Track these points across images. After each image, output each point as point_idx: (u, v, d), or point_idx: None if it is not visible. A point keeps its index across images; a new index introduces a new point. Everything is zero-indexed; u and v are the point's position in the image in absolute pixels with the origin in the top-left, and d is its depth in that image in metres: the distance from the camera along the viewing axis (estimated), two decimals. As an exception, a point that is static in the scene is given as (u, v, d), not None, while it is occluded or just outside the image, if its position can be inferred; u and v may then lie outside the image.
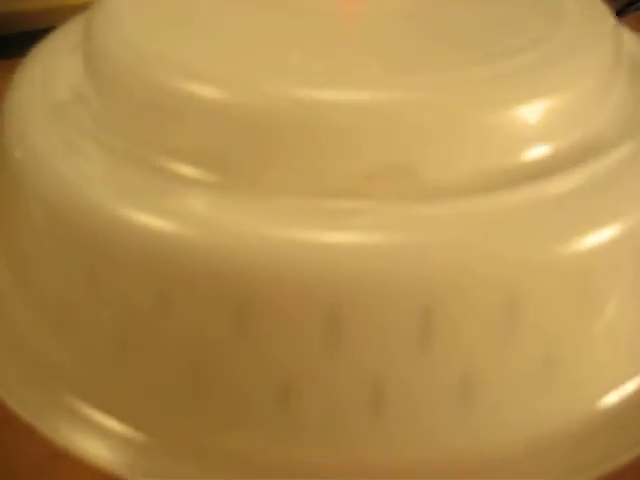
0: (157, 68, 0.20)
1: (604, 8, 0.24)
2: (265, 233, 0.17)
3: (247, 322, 0.17)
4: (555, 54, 0.20)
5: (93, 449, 0.19)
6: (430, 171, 0.18)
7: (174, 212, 0.18)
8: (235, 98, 0.19)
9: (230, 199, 0.18)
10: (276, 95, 0.18)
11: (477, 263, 0.17)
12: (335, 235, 0.17)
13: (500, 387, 0.18)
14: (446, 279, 0.17)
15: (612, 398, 0.19)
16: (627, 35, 0.26)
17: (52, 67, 0.23)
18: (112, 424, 0.19)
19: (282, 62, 0.19)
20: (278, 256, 0.17)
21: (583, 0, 0.23)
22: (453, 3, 0.23)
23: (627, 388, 0.20)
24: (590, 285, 0.18)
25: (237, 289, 0.17)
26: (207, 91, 0.19)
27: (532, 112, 0.19)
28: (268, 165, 0.18)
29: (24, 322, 0.22)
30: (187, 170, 0.18)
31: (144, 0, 0.23)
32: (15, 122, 0.22)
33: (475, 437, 0.18)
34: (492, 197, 0.18)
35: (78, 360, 0.20)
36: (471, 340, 0.17)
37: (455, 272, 0.17)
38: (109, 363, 0.19)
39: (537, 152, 0.19)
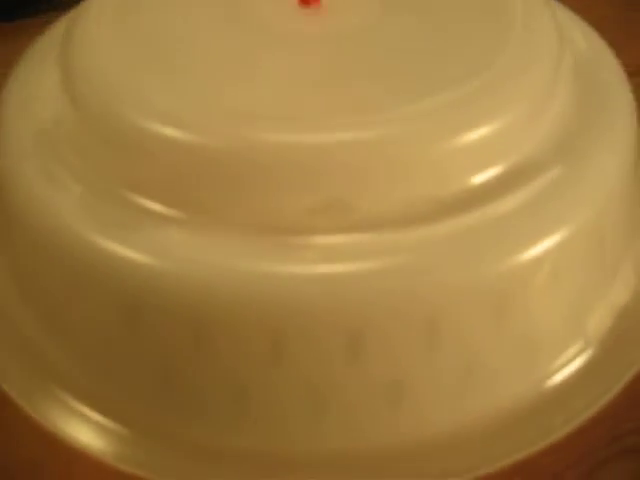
0: (129, 107, 0.22)
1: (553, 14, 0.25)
2: (222, 265, 0.20)
3: (205, 339, 0.20)
4: (489, 84, 0.22)
5: (82, 437, 0.22)
6: (365, 204, 0.20)
7: (143, 244, 0.20)
8: (198, 141, 0.21)
9: (192, 234, 0.20)
10: (232, 138, 0.21)
11: (402, 289, 0.20)
12: (273, 268, 0.20)
13: (425, 392, 0.21)
14: (376, 304, 0.20)
15: (523, 399, 0.22)
16: (574, 28, 0.27)
17: (37, 84, 0.25)
18: (98, 417, 0.22)
19: (240, 104, 0.21)
20: (233, 286, 0.20)
21: (531, 11, 0.25)
22: (397, 24, 0.25)
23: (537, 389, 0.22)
24: (506, 303, 0.21)
25: (193, 312, 0.20)
26: (173, 132, 0.21)
27: (460, 144, 0.21)
28: (226, 203, 0.20)
29: (26, 326, 0.24)
30: (155, 206, 0.21)
31: (119, 25, 0.24)
32: (2, 145, 0.24)
33: (402, 432, 0.21)
34: (420, 227, 0.20)
35: (70, 362, 0.23)
36: (396, 355, 0.20)
37: (383, 298, 0.19)
38: (95, 368, 0.22)
39: (466, 182, 0.21)
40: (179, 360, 0.21)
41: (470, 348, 0.21)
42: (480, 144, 0.21)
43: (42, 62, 0.26)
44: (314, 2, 0.25)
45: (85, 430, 0.22)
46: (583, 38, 0.27)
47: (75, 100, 0.23)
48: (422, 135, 0.21)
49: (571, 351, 0.23)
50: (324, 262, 0.20)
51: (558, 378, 0.23)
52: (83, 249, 0.21)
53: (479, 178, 0.21)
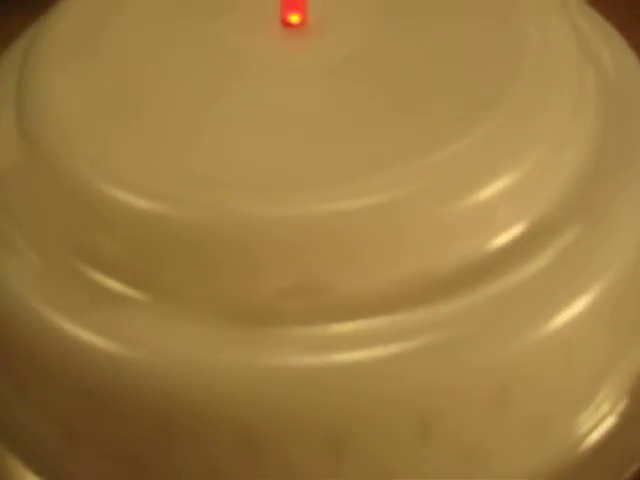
0: (87, 164, 0.19)
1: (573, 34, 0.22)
2: (186, 355, 0.18)
3: (174, 433, 0.18)
4: (497, 132, 0.19)
5: None
6: (347, 287, 0.18)
7: (101, 328, 0.18)
8: (162, 211, 0.18)
9: (156, 319, 0.18)
10: (200, 209, 0.18)
11: (387, 388, 0.17)
12: (249, 361, 0.17)
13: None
14: (360, 403, 0.17)
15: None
16: (599, 41, 0.24)
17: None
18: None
19: (211, 167, 0.19)
20: (199, 378, 0.18)
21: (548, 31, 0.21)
22: (393, 49, 0.21)
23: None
24: (510, 389, 0.18)
25: (157, 408, 0.18)
26: (134, 199, 0.18)
27: (459, 210, 0.18)
28: (192, 284, 0.18)
29: None
30: (115, 285, 0.19)
31: (82, 58, 0.22)
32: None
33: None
34: (414, 311, 0.18)
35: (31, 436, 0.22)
36: (384, 456, 0.18)
37: (363, 400, 0.17)
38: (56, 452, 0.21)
39: (466, 255, 0.18)
40: (148, 451, 0.19)
41: (470, 437, 0.19)
42: (483, 208, 0.18)
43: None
44: (299, 24, 0.22)
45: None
46: (610, 55, 0.23)
47: (31, 148, 0.21)
48: (413, 202, 0.18)
49: (589, 423, 0.21)
50: (293, 356, 0.17)
51: (575, 454, 0.21)
52: (41, 330, 0.19)
53: (482, 248, 0.18)
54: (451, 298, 0.18)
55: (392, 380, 0.17)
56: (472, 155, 0.19)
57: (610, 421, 0.21)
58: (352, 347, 0.18)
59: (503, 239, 0.19)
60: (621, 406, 0.21)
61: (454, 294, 0.18)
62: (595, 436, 0.21)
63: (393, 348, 0.18)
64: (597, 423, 0.21)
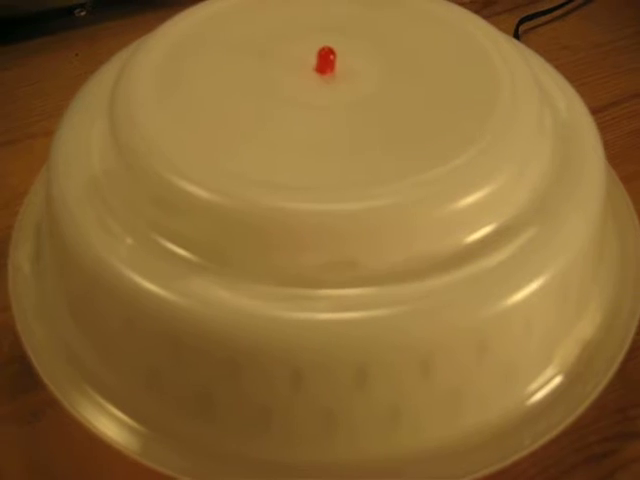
0: (170, 170, 0.26)
1: (535, 84, 0.29)
2: (248, 311, 0.24)
3: (234, 371, 0.25)
4: (478, 156, 0.26)
5: (120, 439, 0.27)
6: (369, 262, 0.24)
7: (182, 291, 0.25)
8: (225, 203, 0.25)
9: (220, 282, 0.24)
10: (255, 203, 0.25)
11: (400, 332, 0.24)
12: (294, 315, 0.24)
13: (420, 413, 0.25)
14: (377, 344, 0.24)
15: (502, 419, 0.27)
16: (555, 88, 0.31)
17: (88, 131, 0.29)
18: (135, 424, 0.27)
19: (260, 169, 0.26)
20: (257, 328, 0.24)
21: (516, 78, 0.29)
22: (399, 94, 0.28)
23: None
24: (488, 341, 0.25)
25: (226, 347, 0.24)
26: (199, 192, 0.25)
27: (450, 212, 0.25)
28: (252, 259, 0.25)
29: (75, 343, 0.29)
30: (193, 258, 0.25)
31: (162, 86, 0.28)
32: (59, 189, 0.28)
33: (399, 447, 0.26)
34: (418, 282, 0.24)
35: (115, 377, 0.28)
36: (396, 384, 0.24)
37: (380, 342, 0.24)
38: (135, 384, 0.27)
39: (455, 244, 0.25)
40: (213, 386, 0.25)
41: (457, 377, 0.25)
42: (467, 211, 0.25)
43: (92, 111, 0.30)
44: (329, 71, 0.29)
45: (123, 434, 0.27)
46: (562, 95, 0.30)
47: (121, 155, 0.27)
48: (419, 203, 0.25)
49: (542, 379, 0.28)
50: (333, 311, 0.24)
51: (531, 402, 0.27)
52: (132, 292, 0.25)
53: (466, 240, 0.25)
54: (441, 275, 0.25)
55: (397, 331, 0.24)
56: (456, 173, 0.26)
57: (558, 380, 0.28)
58: (369, 307, 0.24)
59: (479, 235, 0.26)
60: (567, 369, 0.28)
61: (443, 272, 0.25)
62: (546, 389, 0.27)
63: (399, 308, 0.24)
64: (548, 380, 0.28)
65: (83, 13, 0.54)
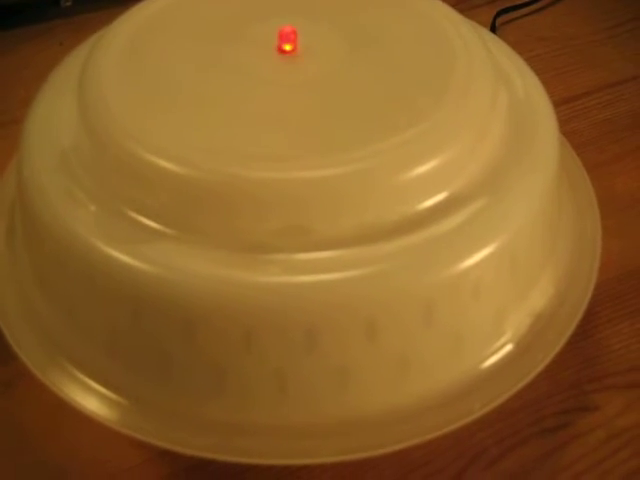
0: (135, 142, 0.27)
1: (491, 62, 0.30)
2: (204, 274, 0.25)
3: (191, 331, 0.26)
4: (431, 128, 0.27)
5: (87, 404, 0.28)
6: (320, 228, 0.25)
7: (143, 255, 0.26)
8: (185, 172, 0.26)
9: (179, 248, 0.26)
10: (213, 172, 0.26)
11: (347, 295, 0.25)
12: (247, 277, 0.25)
13: (367, 376, 0.26)
14: (325, 306, 0.25)
15: (450, 386, 0.27)
16: (512, 68, 0.32)
17: (57, 109, 0.30)
18: (102, 389, 0.28)
19: (220, 141, 0.27)
20: (213, 290, 0.25)
21: (473, 57, 0.30)
22: (360, 70, 0.30)
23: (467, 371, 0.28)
24: (435, 306, 0.26)
25: (182, 309, 0.25)
26: (169, 165, 0.26)
27: (401, 181, 0.26)
28: (207, 224, 0.26)
29: (44, 312, 0.30)
30: (152, 224, 0.26)
31: (127, 66, 0.30)
32: (29, 162, 0.29)
33: (347, 409, 0.26)
34: (366, 247, 0.25)
35: (81, 343, 0.28)
36: (344, 346, 0.25)
37: (327, 304, 0.25)
38: (102, 350, 0.28)
39: (406, 211, 0.26)
40: (171, 347, 0.26)
41: (404, 342, 0.26)
42: (419, 180, 0.26)
43: (62, 91, 0.31)
44: (291, 50, 0.30)
45: (90, 399, 0.28)
46: (518, 75, 0.31)
47: (89, 131, 0.28)
48: (370, 173, 0.26)
49: (493, 347, 0.28)
50: (284, 274, 0.25)
51: (480, 369, 0.28)
52: (95, 257, 0.26)
53: (417, 207, 0.26)
54: (391, 241, 0.26)
55: (344, 293, 0.25)
56: (410, 144, 0.27)
57: (508, 348, 0.29)
58: (319, 270, 0.25)
59: (431, 202, 0.26)
60: (518, 339, 0.29)
61: (393, 238, 0.26)
62: (496, 357, 0.28)
63: (347, 272, 0.25)
64: (499, 348, 0.28)
65: (69, 3, 0.55)
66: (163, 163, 0.26)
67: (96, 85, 0.29)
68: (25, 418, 0.33)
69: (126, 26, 0.31)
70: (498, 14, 0.53)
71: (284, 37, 0.30)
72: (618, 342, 0.35)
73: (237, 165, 0.26)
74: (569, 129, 0.46)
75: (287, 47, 0.30)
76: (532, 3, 0.54)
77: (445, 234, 0.26)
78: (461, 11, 0.34)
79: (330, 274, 0.25)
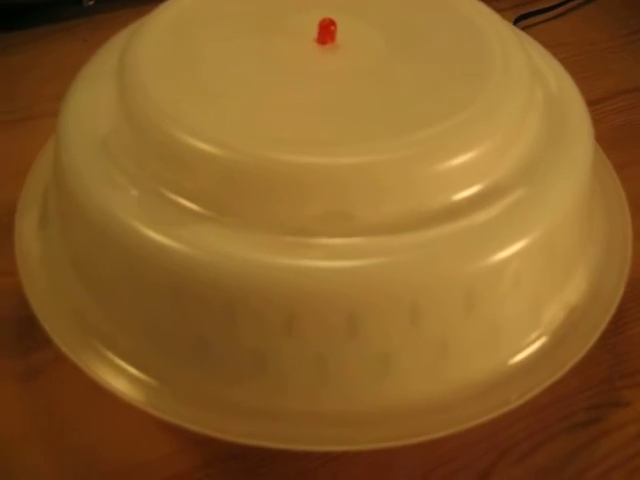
0: (175, 126, 0.27)
1: (527, 59, 0.30)
2: (245, 257, 0.25)
3: (232, 315, 0.26)
4: (470, 119, 0.27)
5: (121, 387, 0.27)
6: (363, 215, 0.25)
7: (184, 238, 0.26)
8: (228, 156, 0.26)
9: (220, 231, 0.25)
10: (256, 156, 0.26)
11: (389, 281, 0.25)
12: (290, 261, 0.25)
13: (408, 363, 0.26)
14: (367, 292, 0.25)
15: (487, 375, 0.27)
16: (546, 67, 0.32)
17: (95, 96, 0.30)
18: (133, 370, 0.28)
19: (262, 127, 0.27)
20: (254, 274, 0.25)
21: (509, 54, 0.30)
22: (398, 63, 0.30)
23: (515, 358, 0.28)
24: (475, 296, 0.26)
25: (223, 292, 0.25)
26: (204, 147, 0.26)
27: (443, 169, 0.26)
28: (249, 208, 0.26)
29: (79, 297, 0.30)
30: (193, 206, 0.26)
31: (168, 52, 0.30)
32: (68, 149, 0.29)
33: (388, 397, 0.26)
34: (409, 233, 0.25)
35: (117, 326, 0.28)
36: (386, 332, 0.25)
37: (370, 289, 0.25)
38: (137, 332, 0.28)
39: (447, 199, 0.26)
40: (209, 331, 0.26)
41: (445, 329, 0.26)
42: (459, 169, 0.27)
43: (99, 79, 0.31)
44: (330, 42, 0.30)
45: (124, 382, 0.28)
46: (552, 73, 0.32)
47: (129, 116, 0.28)
48: (412, 161, 0.26)
49: (529, 338, 0.28)
50: (327, 259, 0.25)
51: (516, 360, 0.28)
52: (136, 240, 0.26)
53: (457, 196, 0.26)
54: (432, 228, 0.26)
55: (387, 279, 0.25)
56: (450, 134, 0.27)
57: (543, 341, 0.29)
58: (361, 256, 0.25)
59: (471, 191, 0.27)
60: (553, 331, 0.29)
61: (434, 226, 0.26)
62: (532, 349, 0.28)
63: (390, 258, 0.25)
64: (534, 340, 0.28)
65: (91, 2, 0.55)
66: (206, 146, 0.26)
67: (136, 70, 0.29)
68: (57, 404, 0.33)
69: (165, 15, 0.31)
70: (517, 19, 0.54)
71: (323, 29, 0.30)
72: (648, 340, 0.36)
73: (279, 149, 0.26)
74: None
75: (326, 39, 0.30)
76: (551, 9, 0.55)
77: (485, 223, 0.26)
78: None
79: (372, 259, 0.25)
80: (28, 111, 0.48)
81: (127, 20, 0.34)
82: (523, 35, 0.35)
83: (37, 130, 0.46)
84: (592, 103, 0.49)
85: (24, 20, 0.54)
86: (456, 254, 0.26)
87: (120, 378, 0.28)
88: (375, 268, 0.25)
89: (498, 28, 0.32)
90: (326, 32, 0.30)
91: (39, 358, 0.34)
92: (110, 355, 0.28)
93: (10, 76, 0.50)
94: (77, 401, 0.33)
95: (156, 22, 0.31)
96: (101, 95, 0.30)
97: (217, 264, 0.25)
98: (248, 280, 0.25)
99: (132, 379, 0.28)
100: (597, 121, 0.49)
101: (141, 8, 0.35)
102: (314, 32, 0.30)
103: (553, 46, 0.54)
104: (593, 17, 0.56)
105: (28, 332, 0.35)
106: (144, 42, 0.30)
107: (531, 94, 0.29)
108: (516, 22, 0.53)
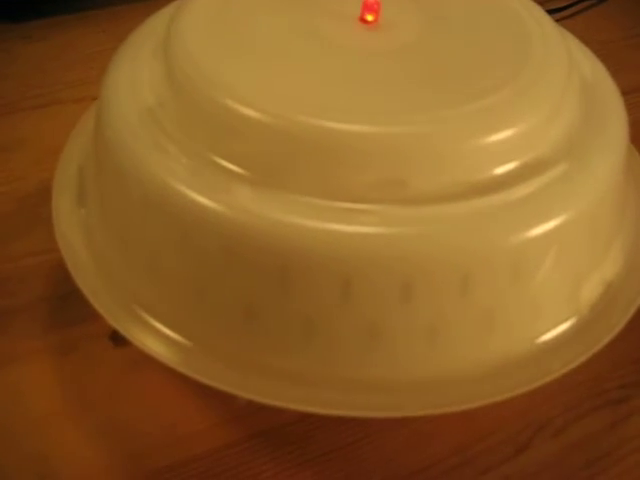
0: (220, 93, 0.27)
1: (565, 45, 0.31)
2: (300, 223, 0.25)
3: (285, 281, 0.26)
4: (512, 95, 0.28)
5: (155, 347, 0.28)
6: (415, 183, 0.26)
7: (235, 203, 0.26)
8: (278, 123, 0.26)
9: (273, 196, 0.26)
10: (309, 124, 0.26)
11: (440, 249, 0.25)
12: (345, 227, 0.25)
13: (455, 333, 0.27)
14: (419, 259, 0.25)
15: (531, 345, 0.28)
16: (581, 56, 0.33)
17: (138, 70, 0.31)
18: (170, 333, 0.28)
19: (313, 96, 0.27)
20: (309, 239, 0.25)
21: (548, 39, 0.31)
22: (440, 41, 0.30)
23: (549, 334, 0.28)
24: (519, 268, 0.27)
25: (276, 258, 0.25)
26: (257, 115, 0.26)
27: (492, 141, 0.27)
28: (304, 176, 0.26)
29: (119, 267, 0.30)
30: (243, 172, 0.26)
31: (213, 25, 0.30)
32: (112, 122, 0.30)
33: (435, 365, 0.27)
34: (460, 203, 0.26)
35: (158, 293, 0.28)
36: (438, 300, 0.26)
37: (423, 256, 0.25)
38: (184, 299, 0.28)
39: (495, 171, 0.27)
40: (261, 297, 0.26)
41: (492, 300, 0.27)
42: (504, 142, 0.27)
43: (141, 52, 0.31)
44: (373, 22, 0.31)
45: (166, 348, 0.28)
46: (587, 62, 0.33)
47: (176, 86, 0.29)
48: (460, 133, 0.27)
49: (567, 312, 0.29)
50: (382, 225, 0.25)
51: (555, 333, 0.29)
52: (189, 206, 0.26)
53: (502, 169, 0.27)
54: (481, 198, 0.26)
55: (440, 246, 0.26)
56: (500, 107, 0.27)
57: (583, 313, 0.29)
58: (415, 223, 0.26)
59: (517, 164, 0.27)
60: (592, 305, 0.29)
61: (483, 196, 0.26)
62: (572, 321, 0.29)
63: (442, 226, 0.26)
64: (574, 313, 0.29)
65: (112, -8, 0.56)
66: (259, 115, 0.26)
67: (183, 42, 0.29)
68: (93, 379, 0.33)
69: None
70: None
71: (367, 7, 0.31)
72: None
73: (333, 118, 0.26)
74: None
75: (370, 17, 0.31)
76: (568, 7, 0.56)
77: (531, 195, 0.27)
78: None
79: (425, 227, 0.25)
80: (49, 97, 0.48)
81: (146, 12, 0.35)
82: (559, 26, 0.35)
83: (58, 115, 0.47)
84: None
85: (46, 9, 0.54)
86: (504, 224, 0.26)
87: (164, 345, 0.28)
88: (428, 236, 0.25)
89: (537, 16, 0.32)
90: (370, 11, 0.31)
91: (73, 335, 0.34)
92: (155, 323, 0.28)
93: (33, 63, 0.51)
94: (113, 376, 0.33)
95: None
96: (144, 70, 0.31)
97: (271, 230, 0.25)
98: (302, 246, 0.25)
99: (175, 346, 0.28)
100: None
101: (159, 0, 0.35)
102: (357, 12, 0.31)
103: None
104: (608, 16, 0.57)
105: (64, 309, 0.35)
106: (190, 15, 0.31)
107: (569, 76, 0.30)
108: (532, 20, 0.54)
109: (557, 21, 0.55)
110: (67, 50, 0.52)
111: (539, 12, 0.33)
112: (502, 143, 0.27)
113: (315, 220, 0.25)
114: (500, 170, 0.27)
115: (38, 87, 0.49)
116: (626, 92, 0.51)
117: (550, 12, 0.55)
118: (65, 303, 0.35)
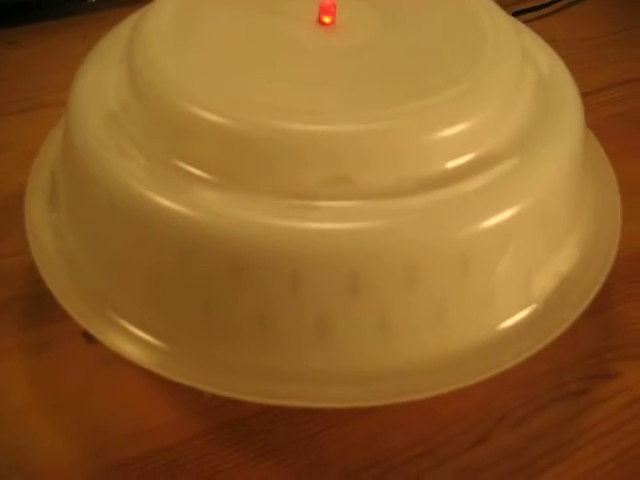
0: (181, 99, 0.28)
1: (519, 41, 0.32)
2: (251, 220, 0.26)
3: (238, 277, 0.27)
4: (463, 92, 0.29)
5: (130, 350, 0.28)
6: (363, 180, 0.27)
7: (191, 203, 0.27)
8: (233, 125, 0.27)
9: (227, 195, 0.27)
10: (260, 125, 0.27)
11: (388, 243, 0.26)
12: (296, 224, 0.26)
13: (404, 325, 0.27)
14: (366, 253, 0.26)
15: (481, 337, 0.29)
16: (539, 51, 0.34)
17: (104, 76, 0.32)
18: (143, 335, 0.29)
19: (268, 98, 0.28)
20: (259, 236, 0.26)
21: (501, 35, 0.31)
22: (394, 41, 0.31)
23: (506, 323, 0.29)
24: (468, 261, 0.27)
25: (230, 255, 0.26)
26: (213, 118, 0.27)
27: (442, 137, 0.28)
28: (253, 174, 0.27)
29: (87, 269, 0.31)
30: (200, 173, 0.27)
31: (174, 33, 0.31)
32: (78, 127, 0.31)
33: (385, 356, 0.28)
34: (410, 197, 0.27)
35: (124, 293, 0.29)
36: (386, 292, 0.26)
37: (372, 250, 0.26)
38: (147, 298, 0.29)
39: (446, 166, 0.28)
40: (217, 293, 0.27)
41: (441, 293, 0.27)
42: (454, 138, 0.28)
43: (106, 59, 0.33)
44: (330, 24, 0.32)
45: (134, 345, 0.29)
46: (545, 57, 0.33)
47: (138, 91, 0.30)
48: (409, 129, 0.27)
49: (519, 304, 0.30)
50: (328, 221, 0.26)
51: (508, 324, 0.29)
52: (147, 207, 0.27)
53: (452, 164, 0.28)
54: (428, 194, 0.27)
55: (386, 241, 0.26)
56: (445, 105, 0.28)
57: (535, 306, 0.30)
58: (361, 218, 0.26)
59: (464, 161, 0.28)
60: (544, 298, 0.30)
61: (430, 192, 0.27)
62: (525, 313, 0.29)
63: (388, 221, 0.26)
64: (526, 305, 0.30)
65: (95, -1, 0.57)
66: (211, 117, 0.27)
67: (145, 48, 0.30)
68: (63, 378, 0.34)
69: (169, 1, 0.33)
70: (513, 15, 0.55)
71: (324, 10, 0.32)
72: (637, 316, 0.37)
73: (281, 118, 0.27)
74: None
75: (326, 19, 0.32)
76: (545, 6, 0.56)
77: (479, 190, 0.27)
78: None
79: (371, 222, 0.26)
80: (34, 101, 0.49)
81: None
82: (518, 23, 0.36)
83: (42, 119, 0.48)
84: (585, 95, 0.50)
85: (33, 15, 0.55)
86: (452, 218, 0.27)
87: (132, 344, 0.29)
88: (374, 230, 0.26)
89: (492, 14, 0.33)
90: (326, 13, 0.32)
91: (47, 333, 0.35)
92: (122, 322, 0.29)
93: (19, 68, 0.52)
94: (85, 372, 0.34)
95: (162, 6, 0.32)
96: (109, 76, 0.32)
97: (223, 227, 0.26)
98: (253, 242, 0.26)
99: (143, 344, 0.29)
100: (590, 112, 0.51)
101: (143, 6, 0.36)
102: (315, 13, 0.32)
103: (547, 41, 0.56)
104: (585, 15, 0.57)
105: (37, 309, 0.36)
106: (152, 23, 0.31)
107: (522, 71, 0.31)
108: (511, 18, 0.55)
109: (536, 20, 0.57)
110: (52, 55, 0.53)
111: (495, 9, 0.33)
112: (453, 138, 0.28)
113: (264, 217, 0.26)
114: (451, 165, 0.28)
115: (24, 91, 0.50)
116: (603, 88, 0.52)
117: (529, 10, 0.56)
118: (40, 302, 0.36)
